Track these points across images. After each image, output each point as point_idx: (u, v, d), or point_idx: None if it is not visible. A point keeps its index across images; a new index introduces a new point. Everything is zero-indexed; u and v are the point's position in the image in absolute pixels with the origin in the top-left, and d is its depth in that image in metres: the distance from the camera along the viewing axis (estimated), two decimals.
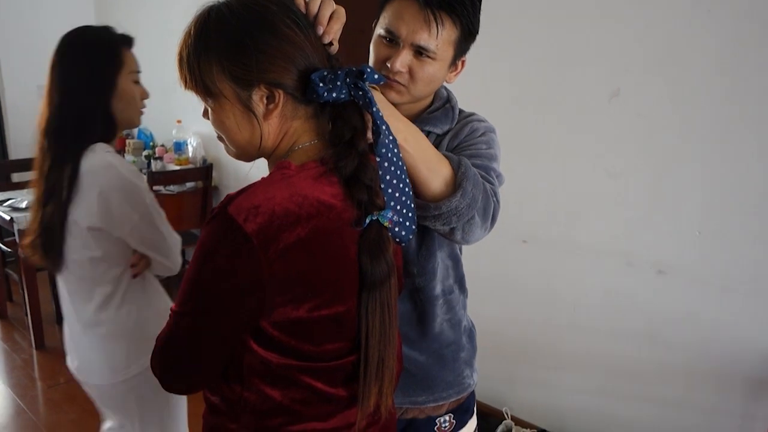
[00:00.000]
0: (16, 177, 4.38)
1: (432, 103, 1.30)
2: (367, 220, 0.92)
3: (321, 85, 0.90)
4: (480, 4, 1.21)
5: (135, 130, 4.79)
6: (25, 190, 3.85)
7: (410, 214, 0.98)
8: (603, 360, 2.37)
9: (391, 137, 0.95)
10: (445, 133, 1.27)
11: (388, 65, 1.17)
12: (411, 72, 1.17)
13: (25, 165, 4.28)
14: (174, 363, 0.96)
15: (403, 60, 1.16)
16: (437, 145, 1.25)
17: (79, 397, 3.00)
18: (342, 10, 0.97)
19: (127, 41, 1.65)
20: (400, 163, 0.96)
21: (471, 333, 1.42)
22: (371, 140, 0.96)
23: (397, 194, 0.96)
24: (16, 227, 3.30)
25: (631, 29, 2.12)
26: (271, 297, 0.88)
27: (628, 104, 2.16)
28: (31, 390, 3.12)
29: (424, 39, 1.14)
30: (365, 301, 0.94)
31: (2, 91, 4.65)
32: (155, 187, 3.66)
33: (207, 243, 0.87)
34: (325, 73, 0.91)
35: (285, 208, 0.86)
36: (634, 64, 2.13)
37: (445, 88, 1.33)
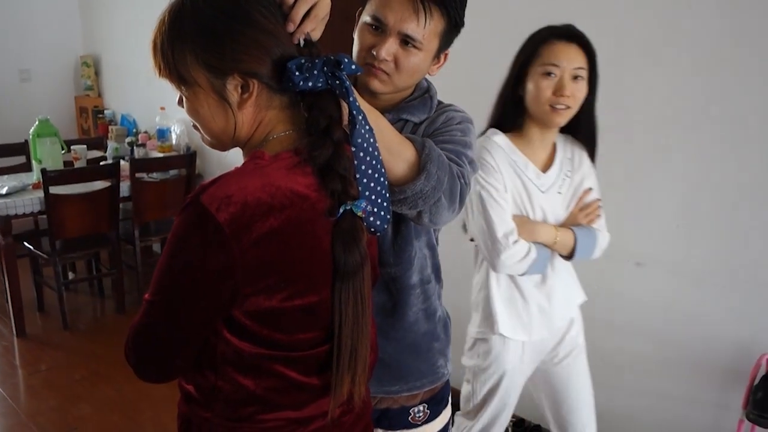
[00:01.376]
0: None
1: (412, 93, 1.30)
2: (341, 210, 0.92)
3: (297, 73, 0.90)
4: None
5: (118, 116, 4.75)
6: (6, 176, 3.82)
7: (385, 204, 0.98)
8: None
9: (367, 127, 0.95)
10: (422, 122, 1.27)
11: (374, 53, 1.16)
12: (396, 61, 1.17)
13: (5, 150, 4.25)
14: (147, 352, 0.95)
15: (388, 48, 1.15)
16: (413, 133, 1.25)
17: (59, 384, 3.00)
18: (324, 5, 0.96)
19: None
20: (376, 153, 0.96)
21: (446, 323, 1.43)
22: (347, 128, 0.95)
23: (372, 184, 0.95)
24: None
25: (615, 20, 2.13)
26: (244, 287, 0.88)
27: (608, 97, 2.17)
28: (12, 377, 3.10)
29: (412, 28, 1.14)
30: (338, 290, 0.94)
31: None
32: (137, 174, 3.64)
33: (179, 232, 0.87)
34: (303, 62, 0.91)
35: (257, 198, 0.86)
36: (617, 55, 2.14)
37: (426, 80, 1.33)
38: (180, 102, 0.97)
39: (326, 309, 0.96)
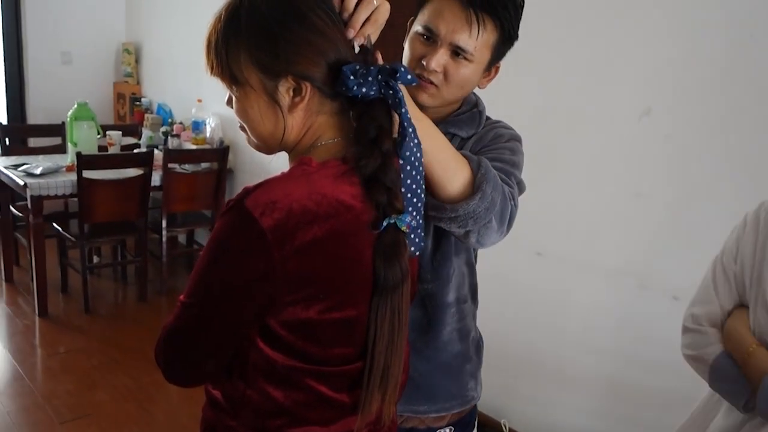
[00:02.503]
0: (33, 142, 4.40)
1: (460, 107, 1.27)
2: (384, 223, 0.89)
3: (352, 78, 0.88)
4: (522, 11, 1.18)
5: (154, 105, 4.79)
6: (41, 156, 3.86)
7: (422, 222, 0.95)
8: (608, 382, 2.34)
9: (416, 141, 0.92)
10: (470, 137, 1.24)
11: (423, 63, 1.14)
12: (446, 73, 1.15)
13: (42, 130, 4.31)
14: (178, 354, 0.93)
15: (439, 59, 1.13)
16: (460, 148, 1.22)
17: (76, 368, 3.01)
18: (384, 9, 0.94)
19: None
20: (421, 169, 0.94)
21: (479, 345, 1.39)
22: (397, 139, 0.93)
23: (414, 200, 0.93)
24: (29, 193, 3.30)
25: (667, 48, 2.07)
26: (282, 295, 0.85)
27: (659, 125, 2.12)
28: (31, 357, 3.12)
29: (463, 39, 1.12)
30: (376, 305, 0.91)
31: (26, 56, 4.64)
32: (170, 165, 3.65)
33: (221, 235, 0.85)
34: (357, 68, 0.88)
35: (303, 205, 0.83)
36: (667, 84, 2.08)
37: (474, 94, 1.30)
38: (229, 102, 0.95)
39: (363, 324, 0.93)
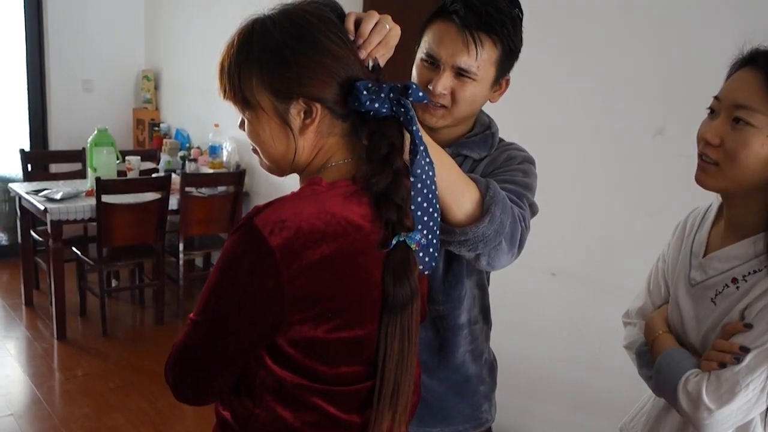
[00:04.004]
0: (54, 168, 4.48)
1: (473, 128, 1.28)
2: (394, 241, 0.89)
3: (365, 93, 0.89)
4: (521, 22, 1.20)
5: (173, 130, 4.86)
6: (62, 181, 3.93)
7: (435, 242, 0.95)
8: (625, 404, 2.29)
9: (427, 159, 0.93)
10: (482, 159, 1.25)
11: (430, 88, 1.16)
12: (453, 94, 1.17)
13: (64, 156, 4.39)
14: (186, 373, 0.94)
15: (444, 83, 1.15)
16: (472, 170, 1.23)
17: (94, 391, 3.02)
18: (394, 34, 0.96)
19: None
20: (433, 188, 0.94)
21: (492, 366, 1.38)
22: (407, 159, 0.93)
23: (425, 218, 0.93)
24: (49, 217, 3.35)
25: (681, 67, 2.07)
26: (290, 314, 0.85)
27: (672, 143, 2.10)
28: (49, 380, 3.14)
29: (464, 61, 1.14)
30: (385, 324, 0.91)
31: (48, 84, 4.75)
32: (187, 189, 3.69)
33: (230, 253, 0.86)
34: (370, 85, 0.90)
35: (312, 224, 0.84)
36: (680, 103, 2.08)
37: (487, 115, 1.32)
38: (242, 125, 0.97)
39: (371, 344, 0.93)
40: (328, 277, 0.86)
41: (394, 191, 0.89)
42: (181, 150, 4.51)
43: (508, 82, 1.25)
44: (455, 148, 1.24)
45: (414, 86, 0.89)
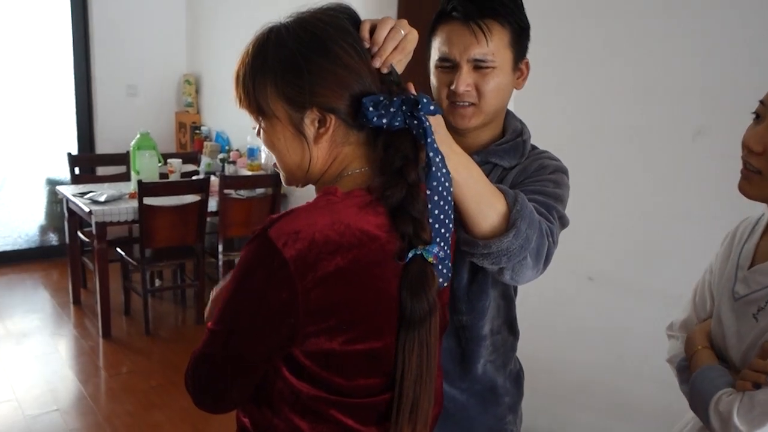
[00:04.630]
0: (101, 171, 4.61)
1: (503, 133, 1.26)
2: (410, 254, 0.88)
3: (371, 109, 0.88)
4: None
5: (213, 133, 4.95)
6: (107, 184, 4.05)
7: (450, 254, 0.94)
8: (666, 412, 2.22)
9: (444, 170, 0.91)
10: (513, 167, 1.22)
11: (452, 89, 1.15)
12: (477, 88, 1.16)
13: (109, 159, 4.51)
14: (204, 381, 0.95)
15: (464, 79, 1.14)
16: (502, 179, 1.21)
17: (136, 389, 3.10)
18: (411, 39, 0.95)
19: None
20: (449, 199, 0.92)
21: (518, 377, 1.35)
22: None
23: (442, 230, 0.91)
24: (93, 219, 3.46)
25: (722, 62, 2.00)
26: (304, 325, 0.85)
27: (714, 143, 2.03)
28: (94, 377, 3.24)
29: (478, 52, 1.13)
30: (403, 339, 0.90)
31: (95, 90, 4.90)
32: (226, 191, 3.76)
33: (245, 264, 0.86)
34: (381, 99, 0.89)
35: (326, 235, 0.84)
36: (722, 100, 2.00)
37: (520, 120, 1.29)
38: (258, 133, 0.97)
39: (389, 356, 0.92)
40: (343, 289, 0.86)
41: (411, 204, 0.88)
42: (220, 153, 4.59)
43: (528, 65, 1.23)
44: (484, 155, 1.21)
45: (425, 99, 0.88)
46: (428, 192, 0.90)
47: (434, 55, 1.19)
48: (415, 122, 0.89)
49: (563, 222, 1.16)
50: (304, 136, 0.91)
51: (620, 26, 2.27)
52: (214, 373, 0.93)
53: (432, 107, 0.90)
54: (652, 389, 2.25)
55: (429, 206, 0.90)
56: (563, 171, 1.22)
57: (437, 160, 0.90)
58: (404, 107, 0.89)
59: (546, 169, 1.19)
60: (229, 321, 0.89)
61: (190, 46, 5.17)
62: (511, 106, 1.29)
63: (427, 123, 0.89)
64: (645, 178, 2.24)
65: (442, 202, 0.91)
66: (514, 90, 1.24)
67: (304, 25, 0.90)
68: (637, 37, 2.22)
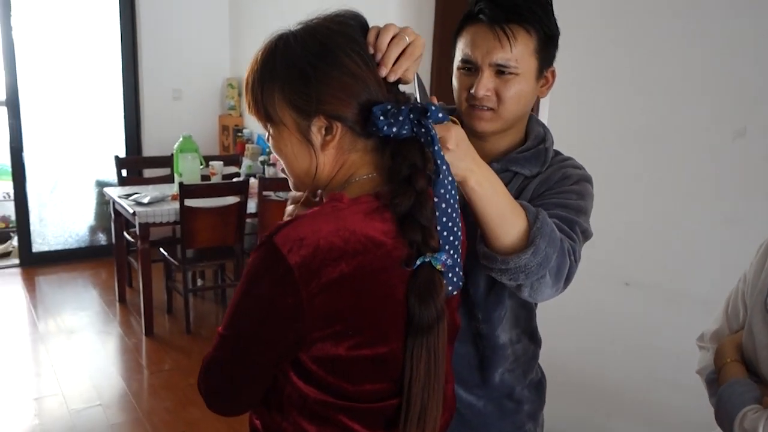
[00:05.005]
0: (147, 173, 4.75)
1: (525, 139, 1.23)
2: (418, 262, 0.88)
3: (382, 118, 0.88)
4: (551, 6, 1.15)
5: (255, 136, 5.04)
6: (151, 186, 4.16)
7: (460, 261, 0.93)
8: (704, 422, 2.15)
9: (450, 178, 0.91)
10: (534, 176, 1.20)
11: (472, 92, 1.13)
12: (497, 94, 1.14)
13: (154, 162, 4.64)
14: (215, 384, 0.97)
15: (485, 84, 1.12)
16: (524, 187, 1.19)
17: (176, 386, 3.18)
18: (418, 44, 0.94)
19: None
20: (457, 206, 0.92)
21: (539, 385, 1.33)
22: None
23: (451, 238, 0.91)
24: (137, 220, 3.56)
25: (762, 62, 1.92)
26: (310, 331, 0.86)
27: (756, 145, 1.95)
28: (136, 373, 3.34)
29: (501, 56, 1.11)
30: (411, 345, 0.90)
31: (142, 95, 5.05)
32: (265, 192, 3.81)
33: (252, 270, 0.88)
34: (389, 108, 0.89)
35: (330, 242, 0.84)
36: (762, 102, 1.92)
37: (543, 127, 1.26)
38: (268, 139, 0.98)
39: (397, 361, 0.92)
40: (348, 295, 0.86)
41: (419, 212, 0.88)
42: (261, 155, 4.66)
43: (554, 73, 1.20)
44: (504, 163, 1.19)
45: (433, 108, 0.88)
46: (436, 199, 0.89)
47: (457, 56, 1.17)
48: (423, 130, 0.89)
49: (586, 235, 1.14)
50: (311, 143, 0.92)
51: (653, 23, 2.21)
52: (224, 377, 0.95)
53: (440, 115, 0.89)
54: (688, 400, 2.18)
55: (437, 214, 0.90)
56: (587, 180, 1.19)
57: (444, 168, 0.90)
58: (412, 116, 0.89)
59: (569, 179, 1.17)
60: (237, 326, 0.91)
61: (233, 51, 5.27)
62: (544, 106, 1.26)
63: (434, 132, 0.89)
64: (683, 180, 2.17)
65: (449, 210, 0.91)
66: (550, 88, 1.22)
67: (312, 33, 0.91)
68: (673, 36, 2.16)
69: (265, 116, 0.94)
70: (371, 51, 0.91)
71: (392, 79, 0.92)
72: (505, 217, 1.00)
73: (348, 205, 0.89)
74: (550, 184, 1.17)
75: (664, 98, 2.20)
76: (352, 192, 0.92)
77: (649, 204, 2.27)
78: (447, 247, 0.90)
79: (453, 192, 0.91)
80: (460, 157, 0.95)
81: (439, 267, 0.89)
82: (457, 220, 0.92)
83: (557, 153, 1.25)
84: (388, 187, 0.90)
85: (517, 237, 1.00)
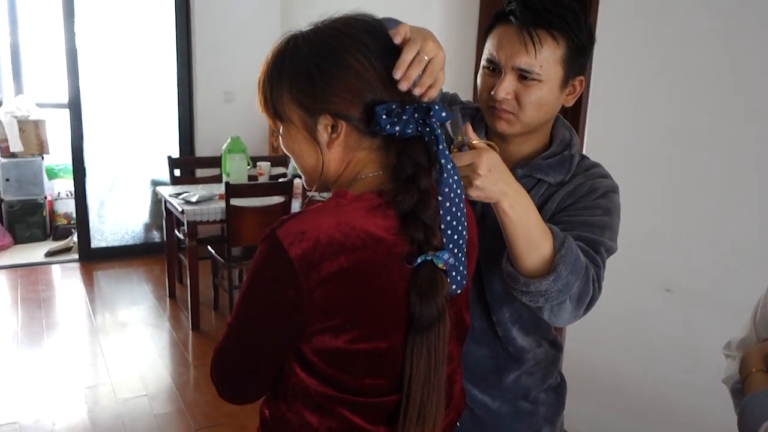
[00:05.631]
0: (199, 172, 4.89)
1: (550, 143, 1.21)
2: (419, 260, 0.89)
3: (384, 117, 0.89)
4: (586, 15, 1.12)
5: None
6: (200, 185, 4.29)
7: (464, 260, 0.93)
8: None
9: (455, 177, 0.91)
10: (559, 184, 1.18)
11: (492, 94, 1.12)
12: (517, 98, 1.12)
13: (205, 162, 4.78)
14: (223, 373, 1.00)
15: (505, 86, 1.11)
16: (549, 196, 1.17)
17: None
18: (437, 60, 0.92)
19: None
20: (462, 206, 0.92)
21: (558, 389, 1.31)
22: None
23: (455, 236, 0.91)
24: (185, 218, 3.68)
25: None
26: (310, 323, 0.88)
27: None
28: (180, 366, 3.45)
29: (524, 61, 1.09)
30: (411, 343, 0.91)
31: (195, 97, 5.21)
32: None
33: (256, 263, 0.91)
34: (393, 107, 0.90)
35: (330, 236, 0.86)
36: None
37: (570, 130, 1.23)
38: (279, 137, 1.01)
39: (396, 357, 0.93)
40: (347, 289, 0.87)
41: (422, 210, 0.89)
42: None
43: (582, 82, 1.17)
44: (528, 169, 1.18)
45: (437, 107, 0.89)
46: (440, 198, 0.90)
47: (484, 54, 1.17)
48: (427, 129, 0.90)
49: (611, 252, 1.13)
50: (317, 141, 0.94)
51: (700, 19, 2.14)
52: (230, 366, 0.98)
53: (444, 114, 0.89)
54: (728, 408, 2.10)
55: (441, 212, 0.90)
56: (614, 191, 1.17)
57: (449, 167, 0.90)
58: (416, 115, 0.90)
59: (596, 192, 1.15)
60: (243, 317, 0.94)
61: None
62: (583, 107, 1.24)
63: (438, 131, 0.89)
64: (727, 182, 2.09)
65: (454, 209, 0.91)
66: (591, 89, 1.20)
67: (319, 35, 0.93)
68: (714, 35, 2.08)
69: (275, 114, 0.97)
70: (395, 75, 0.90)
71: (419, 95, 0.92)
72: (532, 241, 1.01)
73: (351, 201, 0.90)
74: (576, 197, 1.15)
75: (708, 95, 2.13)
76: (356, 189, 0.94)
77: (692, 206, 2.19)
78: (451, 245, 0.90)
79: (459, 191, 0.91)
80: (493, 182, 0.96)
81: (440, 266, 0.89)
82: (463, 219, 0.92)
83: (583, 158, 1.22)
84: (392, 185, 0.91)
85: (540, 261, 1.01)
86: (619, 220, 1.16)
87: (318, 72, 0.90)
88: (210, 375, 1.03)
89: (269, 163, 4.35)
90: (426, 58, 0.91)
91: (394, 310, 0.91)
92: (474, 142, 0.98)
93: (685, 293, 2.24)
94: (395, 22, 1.02)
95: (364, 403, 0.94)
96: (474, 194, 0.98)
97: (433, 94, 0.94)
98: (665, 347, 2.32)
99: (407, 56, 0.90)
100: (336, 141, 0.93)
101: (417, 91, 0.92)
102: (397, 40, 0.92)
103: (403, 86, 0.91)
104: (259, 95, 0.99)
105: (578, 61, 1.13)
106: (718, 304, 2.13)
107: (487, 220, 1.17)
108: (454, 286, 0.93)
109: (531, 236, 1.00)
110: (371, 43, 0.92)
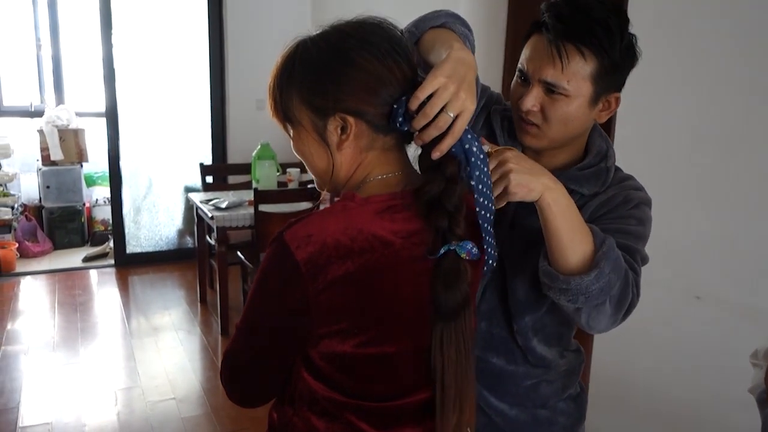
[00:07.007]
0: (231, 179, 4.96)
1: (585, 155, 1.19)
2: (443, 250, 0.88)
3: (402, 114, 0.90)
4: (623, 32, 1.07)
5: None
6: (231, 192, 4.35)
7: (493, 242, 0.94)
8: None
9: (482, 156, 0.91)
10: (593, 195, 1.16)
11: (519, 104, 1.11)
12: (543, 111, 1.10)
13: (236, 169, 4.85)
14: (233, 375, 1.01)
15: (531, 99, 1.09)
16: (582, 206, 1.14)
17: None
18: (462, 120, 0.87)
19: None
20: (490, 183, 0.93)
21: (579, 399, 1.28)
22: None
23: (487, 215, 0.93)
24: (215, 224, 3.73)
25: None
26: (317, 327, 0.88)
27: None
28: (209, 371, 3.49)
29: (551, 74, 1.07)
30: (440, 331, 0.90)
31: (228, 105, 5.29)
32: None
33: (263, 266, 0.91)
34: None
35: (337, 240, 0.86)
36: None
37: (606, 141, 1.21)
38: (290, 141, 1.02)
39: (405, 361, 0.93)
40: (353, 293, 0.87)
41: (446, 198, 0.89)
42: None
43: (618, 99, 1.13)
44: (563, 180, 1.13)
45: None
46: (472, 183, 0.91)
47: (518, 65, 1.15)
48: None
49: (645, 263, 1.11)
50: (326, 143, 0.94)
51: (730, 20, 2.09)
52: (239, 369, 0.99)
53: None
54: (758, 420, 2.03)
55: (475, 195, 0.91)
56: (646, 203, 1.15)
57: (474, 149, 0.90)
58: None
59: (630, 203, 1.13)
60: (251, 320, 0.95)
61: None
62: (620, 111, 1.19)
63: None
64: (756, 190, 2.03)
65: (485, 189, 0.92)
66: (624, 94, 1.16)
67: (326, 37, 0.94)
68: (747, 30, 2.03)
69: (285, 118, 0.97)
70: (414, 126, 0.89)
71: (435, 157, 0.89)
72: (574, 236, 0.99)
73: (359, 204, 0.90)
74: (610, 206, 1.13)
75: (738, 97, 2.07)
76: (367, 191, 0.94)
77: (724, 211, 2.13)
78: (486, 225, 0.92)
79: (485, 169, 0.92)
80: (528, 170, 0.95)
81: (463, 255, 0.89)
82: (491, 195, 0.94)
83: (617, 170, 1.20)
84: (416, 180, 0.92)
85: (582, 258, 0.99)
86: (650, 233, 1.14)
87: (328, 72, 0.91)
88: (219, 377, 1.04)
89: (299, 169, 4.38)
90: (451, 115, 0.86)
91: (402, 313, 0.90)
92: (490, 150, 0.97)
93: (716, 301, 2.17)
94: (450, 17, 1.10)
95: (370, 408, 0.94)
96: (516, 190, 0.94)
97: (444, 149, 0.90)
98: (695, 355, 2.25)
99: (428, 110, 0.86)
100: (346, 142, 0.93)
101: (434, 156, 0.89)
102: (413, 105, 0.88)
103: (418, 143, 0.91)
104: (270, 100, 0.99)
105: (612, 78, 1.09)
106: (750, 313, 2.06)
107: (517, 227, 1.16)
108: (485, 268, 0.96)
109: (574, 230, 0.98)
110: (378, 42, 0.92)
